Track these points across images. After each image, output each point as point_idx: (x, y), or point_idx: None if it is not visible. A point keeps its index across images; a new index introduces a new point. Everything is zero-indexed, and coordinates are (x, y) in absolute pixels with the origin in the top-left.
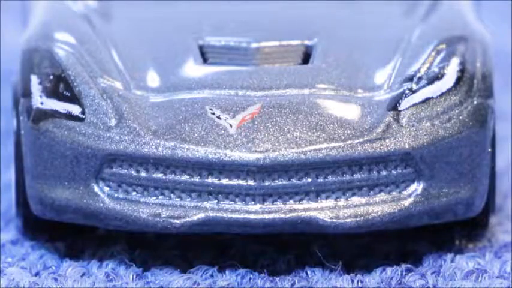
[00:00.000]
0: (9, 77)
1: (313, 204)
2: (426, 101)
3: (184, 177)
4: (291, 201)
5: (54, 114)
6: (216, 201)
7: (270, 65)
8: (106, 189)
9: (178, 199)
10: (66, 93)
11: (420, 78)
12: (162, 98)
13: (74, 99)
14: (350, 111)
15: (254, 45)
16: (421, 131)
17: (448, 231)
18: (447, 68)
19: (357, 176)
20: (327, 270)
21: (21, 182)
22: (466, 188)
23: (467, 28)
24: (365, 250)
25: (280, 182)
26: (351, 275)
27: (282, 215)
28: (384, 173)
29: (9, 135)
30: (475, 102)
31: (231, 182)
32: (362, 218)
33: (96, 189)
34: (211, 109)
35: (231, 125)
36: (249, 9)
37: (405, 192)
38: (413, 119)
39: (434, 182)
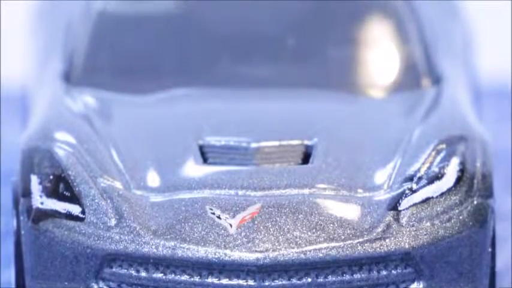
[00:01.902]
0: (9, 177)
1: None
2: (426, 200)
3: (185, 277)
4: None
5: (54, 214)
6: None
7: (270, 165)
8: None
9: None
10: (66, 193)
11: (420, 178)
12: (162, 197)
13: (74, 199)
14: (350, 211)
15: (254, 145)
16: (421, 231)
17: None
18: (447, 168)
19: (357, 275)
20: None
21: (21, 282)
22: None
23: (467, 128)
24: None
25: (280, 282)
26: None
27: None
28: (384, 272)
29: (9, 235)
30: (475, 202)
31: (231, 282)
32: None
33: None
34: (211, 209)
35: (231, 225)
36: (248, 108)
37: None
38: (413, 218)
39: (434, 282)
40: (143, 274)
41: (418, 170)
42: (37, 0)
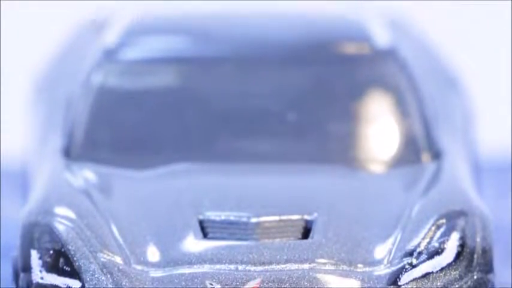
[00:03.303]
0: (9, 252)
1: None
2: (426, 275)
3: None
4: None
5: None
6: None
7: (270, 240)
8: None
9: None
10: (66, 268)
11: (420, 253)
12: (162, 272)
13: (74, 274)
14: (350, 286)
15: (254, 220)
16: None
17: None
18: (447, 243)
19: None
20: None
21: None
22: None
23: (467, 203)
24: None
25: None
26: None
27: None
28: None
29: None
30: (475, 277)
31: None
32: None
33: None
34: (211, 284)
35: None
36: (248, 183)
37: None
38: None
39: None
40: None
41: (418, 245)
42: (37, 75)
